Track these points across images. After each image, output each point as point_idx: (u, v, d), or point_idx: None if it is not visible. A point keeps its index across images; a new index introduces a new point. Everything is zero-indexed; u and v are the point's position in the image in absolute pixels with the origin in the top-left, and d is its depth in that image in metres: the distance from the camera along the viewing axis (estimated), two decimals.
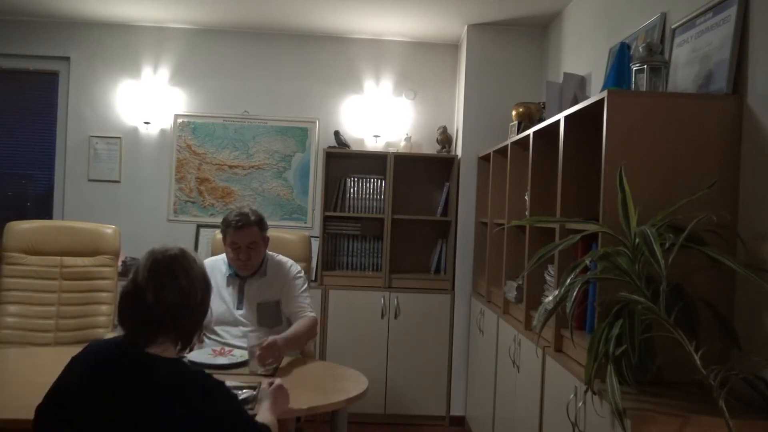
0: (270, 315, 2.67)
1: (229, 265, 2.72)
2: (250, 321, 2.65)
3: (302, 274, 2.86)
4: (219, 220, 4.31)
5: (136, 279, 1.45)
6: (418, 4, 3.70)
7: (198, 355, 2.37)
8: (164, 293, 1.43)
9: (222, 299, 2.68)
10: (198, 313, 1.51)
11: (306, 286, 2.82)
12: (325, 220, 4.14)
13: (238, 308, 2.67)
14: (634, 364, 1.56)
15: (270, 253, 2.81)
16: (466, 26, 4.05)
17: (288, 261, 2.84)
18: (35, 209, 4.44)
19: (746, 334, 1.73)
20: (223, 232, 2.66)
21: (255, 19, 4.14)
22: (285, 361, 2.43)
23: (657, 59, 1.97)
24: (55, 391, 1.51)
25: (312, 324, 2.68)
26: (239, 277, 2.70)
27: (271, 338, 2.33)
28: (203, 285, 1.52)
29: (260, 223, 2.67)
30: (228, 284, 2.72)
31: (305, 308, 2.72)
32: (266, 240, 2.72)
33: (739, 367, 1.49)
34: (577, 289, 1.62)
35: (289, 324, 2.66)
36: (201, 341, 2.53)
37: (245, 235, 2.60)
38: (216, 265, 2.75)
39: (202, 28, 4.38)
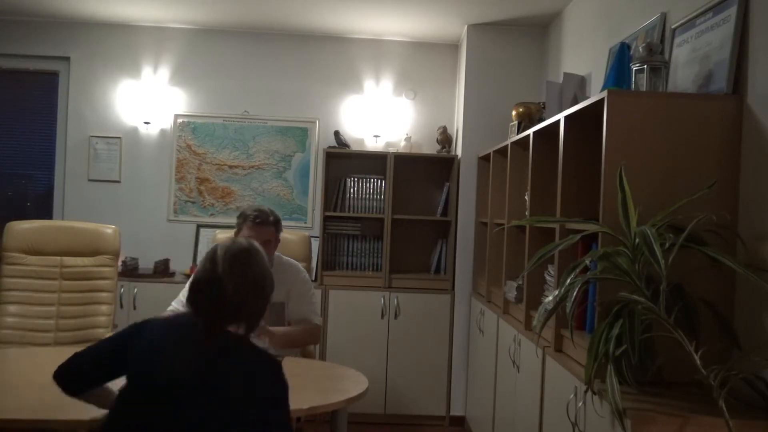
0: (273, 315, 2.67)
1: None
2: None
3: (309, 279, 2.88)
4: (219, 220, 4.35)
5: (215, 269, 1.55)
6: (418, 4, 3.70)
7: None
8: (242, 284, 1.55)
9: None
10: (265, 300, 1.64)
11: (314, 293, 2.84)
12: (325, 220, 4.14)
13: None
14: (634, 364, 1.56)
15: (278, 254, 2.82)
16: (466, 26, 4.05)
17: (296, 264, 2.86)
18: (35, 209, 4.44)
19: (746, 334, 1.73)
20: (239, 225, 2.66)
21: (255, 19, 4.14)
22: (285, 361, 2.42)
23: (657, 59, 1.97)
24: (117, 353, 1.58)
25: (312, 330, 2.70)
26: None
27: (263, 325, 2.33)
28: (269, 274, 1.65)
29: (277, 224, 2.69)
30: None
31: (311, 317, 2.74)
32: (278, 241, 2.73)
33: (739, 367, 1.49)
34: (577, 289, 1.62)
35: None
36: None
37: (262, 233, 2.59)
38: None
39: (202, 28, 4.38)
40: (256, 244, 1.67)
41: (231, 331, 1.57)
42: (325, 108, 4.41)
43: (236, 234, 2.68)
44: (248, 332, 1.60)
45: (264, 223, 2.61)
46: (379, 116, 4.34)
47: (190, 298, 1.58)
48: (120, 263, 3.39)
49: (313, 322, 2.74)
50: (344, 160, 4.32)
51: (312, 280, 3.02)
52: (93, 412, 1.85)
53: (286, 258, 2.86)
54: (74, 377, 1.66)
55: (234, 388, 1.48)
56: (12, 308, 2.94)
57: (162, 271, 4.06)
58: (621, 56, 2.34)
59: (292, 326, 2.61)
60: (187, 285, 1.72)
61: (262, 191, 4.39)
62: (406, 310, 3.97)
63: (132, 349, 1.57)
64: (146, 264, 4.15)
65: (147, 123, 4.34)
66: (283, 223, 4.26)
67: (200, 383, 1.48)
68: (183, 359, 1.51)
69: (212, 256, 1.59)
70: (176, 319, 1.65)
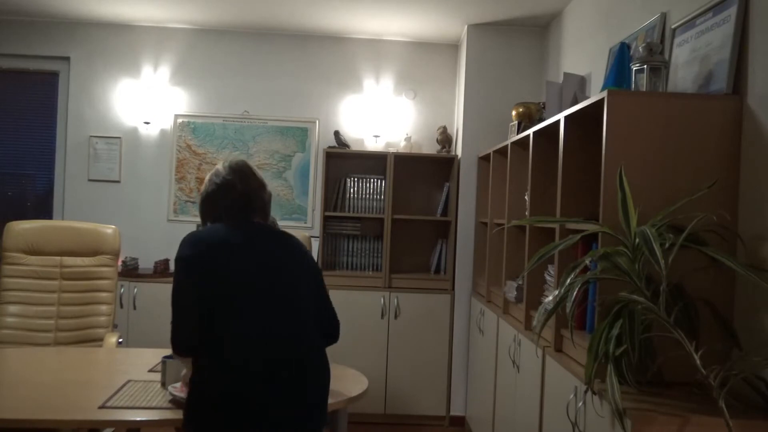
0: None
1: None
2: None
3: None
4: None
5: (222, 179, 1.83)
6: (418, 4, 3.70)
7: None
8: (249, 182, 1.84)
9: None
10: (268, 193, 1.92)
11: None
12: (325, 220, 4.14)
13: None
14: (634, 364, 1.56)
15: None
16: (466, 26, 4.05)
17: None
18: (35, 209, 4.44)
19: (746, 334, 1.73)
20: None
21: (255, 19, 4.14)
22: None
23: (657, 59, 1.97)
24: (201, 290, 1.67)
25: None
26: None
27: None
28: (263, 179, 1.94)
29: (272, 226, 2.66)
30: None
31: None
32: None
33: (739, 367, 1.48)
34: (577, 289, 1.62)
35: None
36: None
37: None
38: None
39: (202, 28, 4.38)
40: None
41: (257, 222, 1.84)
42: (325, 108, 4.41)
43: None
44: (266, 221, 1.89)
45: None
46: (379, 116, 4.35)
47: (208, 210, 1.83)
48: (120, 263, 3.39)
49: None
50: (344, 160, 4.32)
51: None
52: (93, 411, 1.85)
53: None
54: (193, 341, 1.66)
55: (297, 260, 1.78)
56: (12, 308, 2.95)
57: (162, 271, 4.06)
58: (621, 56, 2.34)
59: None
60: (199, 204, 1.90)
61: None
62: (406, 310, 3.97)
63: (206, 273, 1.66)
64: (146, 264, 4.16)
65: (147, 123, 4.34)
66: (284, 223, 4.31)
67: (273, 264, 1.72)
68: (246, 256, 1.70)
69: (215, 172, 1.85)
70: (211, 230, 1.76)
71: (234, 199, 1.81)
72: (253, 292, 1.66)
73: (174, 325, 1.67)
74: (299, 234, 3.40)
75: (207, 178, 1.88)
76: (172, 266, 4.18)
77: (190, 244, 1.70)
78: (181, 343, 1.66)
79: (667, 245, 1.54)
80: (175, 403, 1.94)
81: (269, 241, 1.78)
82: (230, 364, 1.58)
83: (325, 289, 1.89)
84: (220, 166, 1.88)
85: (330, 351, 3.94)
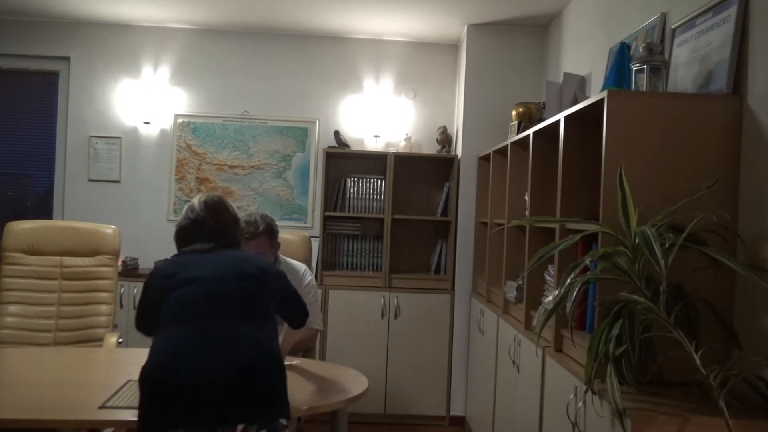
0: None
1: None
2: None
3: (314, 283, 2.88)
4: None
5: (196, 215, 1.98)
6: (418, 4, 3.70)
7: None
8: (221, 218, 1.99)
9: None
10: (241, 230, 2.09)
11: (317, 297, 2.85)
12: (325, 220, 4.14)
13: None
14: (634, 364, 1.56)
15: (282, 257, 2.82)
16: (466, 26, 4.05)
17: (302, 268, 2.86)
18: (35, 209, 4.44)
19: (746, 334, 1.73)
20: None
21: (255, 19, 4.14)
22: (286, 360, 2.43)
23: (657, 59, 1.97)
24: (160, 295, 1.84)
25: (307, 335, 2.74)
26: None
27: None
28: (237, 214, 2.10)
29: (268, 232, 2.63)
30: None
31: (311, 320, 2.75)
32: (276, 246, 2.71)
33: (739, 367, 1.48)
34: (577, 289, 1.62)
35: None
36: None
37: (252, 246, 2.59)
38: None
39: (202, 28, 4.38)
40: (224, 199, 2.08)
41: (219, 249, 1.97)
42: (325, 108, 4.41)
43: None
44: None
45: (253, 237, 2.58)
46: (379, 116, 4.35)
47: (181, 241, 2.00)
48: (120, 263, 3.38)
49: (313, 327, 2.79)
50: (344, 160, 4.32)
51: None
52: (93, 411, 1.85)
53: (292, 262, 2.87)
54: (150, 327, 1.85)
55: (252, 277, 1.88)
56: (12, 308, 2.95)
57: None
58: (621, 56, 2.34)
59: (291, 331, 2.62)
60: (174, 234, 2.04)
61: (262, 191, 4.39)
62: (406, 310, 3.97)
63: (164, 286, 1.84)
64: (146, 264, 4.15)
65: (147, 123, 4.34)
66: (284, 223, 4.31)
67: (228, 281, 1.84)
68: (198, 290, 1.81)
69: (190, 207, 2.01)
70: (176, 258, 1.98)
71: (201, 233, 1.97)
72: (196, 323, 1.75)
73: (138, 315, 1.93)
74: (299, 234, 3.40)
75: (183, 210, 2.04)
76: None
77: (151, 277, 1.92)
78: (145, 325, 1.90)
79: (667, 245, 1.54)
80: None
81: (224, 270, 1.87)
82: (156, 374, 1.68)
83: (289, 293, 2.04)
84: (195, 202, 2.02)
85: (330, 351, 3.94)
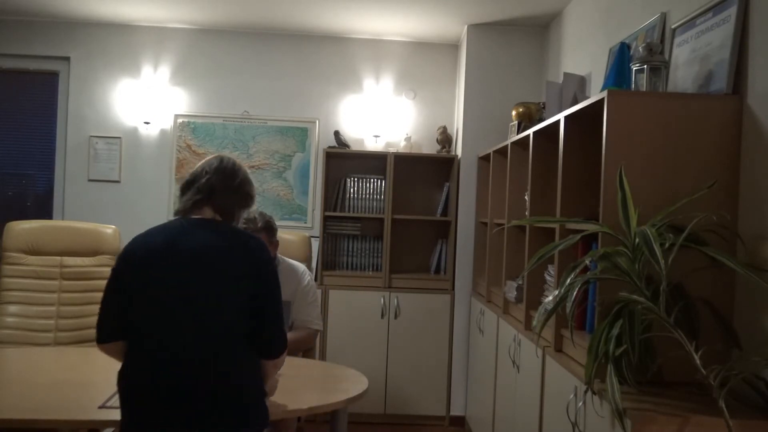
0: None
1: None
2: None
3: (314, 284, 2.89)
4: None
5: (202, 168, 1.78)
6: (418, 4, 3.70)
7: None
8: (225, 181, 1.77)
9: None
10: (242, 201, 1.82)
11: (316, 298, 2.86)
12: (325, 220, 4.14)
13: None
14: (634, 364, 1.56)
15: (281, 257, 2.82)
16: (466, 26, 4.05)
17: (300, 267, 2.86)
18: (35, 209, 4.44)
19: (746, 334, 1.73)
20: None
21: (255, 19, 4.14)
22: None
23: (657, 59, 1.97)
24: (127, 273, 1.71)
25: (306, 335, 2.74)
26: None
27: None
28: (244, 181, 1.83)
29: (268, 229, 2.64)
30: None
31: (310, 320, 2.75)
32: (275, 244, 2.71)
33: (739, 367, 1.48)
34: (577, 289, 1.62)
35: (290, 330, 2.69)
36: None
37: None
38: None
39: (202, 28, 4.38)
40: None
41: (205, 219, 1.75)
42: (325, 108, 4.41)
43: None
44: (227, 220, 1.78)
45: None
46: (379, 116, 4.34)
47: (182, 191, 1.80)
48: None
49: (313, 327, 2.81)
50: (344, 160, 4.32)
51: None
52: (93, 411, 1.85)
53: (291, 262, 2.87)
54: (113, 334, 1.70)
55: (232, 260, 1.66)
56: (12, 308, 2.95)
57: None
58: (621, 56, 2.34)
59: (290, 332, 2.63)
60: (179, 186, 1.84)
61: (262, 191, 4.39)
62: (406, 310, 3.97)
63: (126, 290, 1.68)
64: None
65: (147, 123, 4.34)
66: (284, 223, 4.31)
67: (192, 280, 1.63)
68: (168, 268, 1.65)
69: (209, 161, 1.80)
70: (146, 238, 1.79)
71: (198, 188, 1.76)
72: (165, 311, 1.62)
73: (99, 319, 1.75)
74: (299, 234, 3.40)
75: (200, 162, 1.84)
76: None
77: (121, 255, 1.76)
78: (107, 333, 1.72)
79: (667, 245, 1.54)
80: None
81: (201, 247, 1.67)
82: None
83: (272, 304, 1.70)
84: (214, 160, 1.82)
85: (330, 351, 3.94)
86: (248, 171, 1.88)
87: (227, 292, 1.63)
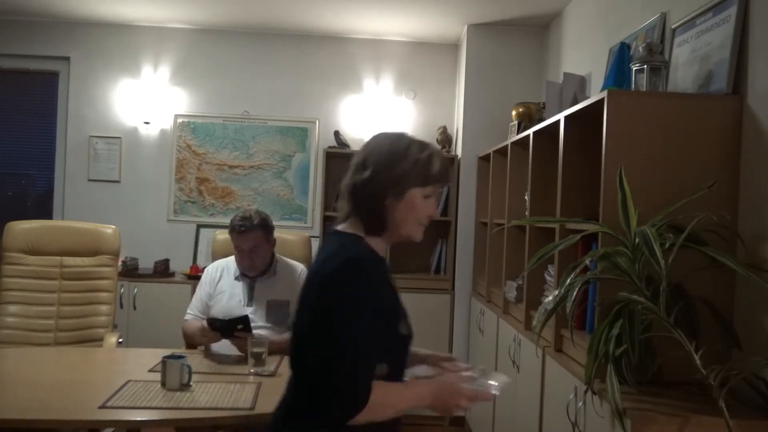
0: (280, 314, 2.68)
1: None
2: (260, 318, 2.66)
3: None
4: (219, 220, 4.34)
5: (424, 154, 1.45)
6: (418, 4, 3.70)
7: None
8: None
9: (232, 296, 2.72)
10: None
11: None
12: (325, 220, 4.13)
13: (248, 305, 2.69)
14: (634, 364, 1.56)
15: (280, 256, 2.83)
16: (466, 26, 4.05)
17: (299, 267, 2.87)
18: (35, 209, 4.44)
19: (746, 334, 1.73)
20: (230, 235, 2.68)
21: (255, 19, 4.14)
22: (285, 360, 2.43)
23: (657, 59, 1.97)
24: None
25: None
26: (248, 276, 2.72)
27: (266, 336, 2.40)
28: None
29: (264, 227, 2.66)
30: (238, 283, 2.75)
31: None
32: (273, 242, 2.73)
33: (739, 367, 1.48)
34: (577, 289, 1.62)
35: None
36: None
37: (247, 239, 2.62)
38: (227, 265, 2.79)
39: (202, 28, 4.38)
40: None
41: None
42: (325, 108, 4.41)
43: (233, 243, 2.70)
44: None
45: (248, 230, 2.60)
46: (379, 116, 4.34)
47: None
48: (120, 263, 3.38)
49: None
50: (344, 160, 4.30)
51: None
52: (93, 411, 1.85)
53: (289, 261, 2.87)
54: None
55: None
56: (12, 308, 2.94)
57: (162, 271, 4.06)
58: (621, 56, 2.34)
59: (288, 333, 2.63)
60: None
61: (262, 191, 4.39)
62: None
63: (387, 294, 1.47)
64: (146, 264, 4.15)
65: (147, 123, 4.34)
66: (283, 223, 4.31)
67: None
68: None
69: (421, 144, 1.47)
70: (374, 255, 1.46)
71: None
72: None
73: (353, 367, 1.31)
74: (299, 234, 3.40)
75: (403, 146, 1.44)
76: (172, 266, 4.18)
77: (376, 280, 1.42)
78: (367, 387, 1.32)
79: (667, 245, 1.54)
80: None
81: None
82: None
83: (319, 336, 1.32)
84: (413, 142, 1.45)
85: None
86: None
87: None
